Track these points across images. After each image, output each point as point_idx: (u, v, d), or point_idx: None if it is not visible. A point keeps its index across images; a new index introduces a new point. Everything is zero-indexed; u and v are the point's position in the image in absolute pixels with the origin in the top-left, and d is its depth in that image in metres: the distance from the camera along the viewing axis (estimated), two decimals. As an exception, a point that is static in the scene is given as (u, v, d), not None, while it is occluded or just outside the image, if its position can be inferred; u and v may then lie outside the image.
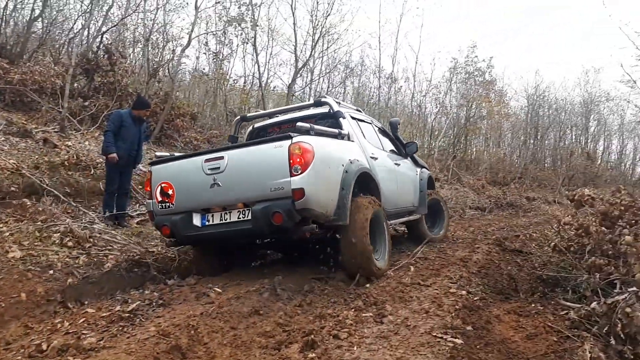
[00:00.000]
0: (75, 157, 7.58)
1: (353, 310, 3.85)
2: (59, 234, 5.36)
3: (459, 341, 3.17)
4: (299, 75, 17.62)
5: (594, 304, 3.79)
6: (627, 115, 29.07)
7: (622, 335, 3.26)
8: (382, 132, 6.75)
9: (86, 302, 4.28)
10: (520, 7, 56.74)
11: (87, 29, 12.18)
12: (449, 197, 13.96)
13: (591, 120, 29.89)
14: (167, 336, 3.17)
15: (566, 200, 5.58)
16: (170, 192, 4.61)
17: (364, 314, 3.77)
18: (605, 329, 3.49)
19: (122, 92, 10.65)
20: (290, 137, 4.18)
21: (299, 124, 4.43)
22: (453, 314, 3.70)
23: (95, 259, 5.11)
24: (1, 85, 9.28)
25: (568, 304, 4.27)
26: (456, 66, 22.73)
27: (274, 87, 19.72)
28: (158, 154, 5.32)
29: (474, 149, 24.20)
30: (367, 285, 4.60)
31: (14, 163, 6.70)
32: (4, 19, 11.06)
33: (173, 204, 4.60)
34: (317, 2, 16.69)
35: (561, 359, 3.26)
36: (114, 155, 6.27)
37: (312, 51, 17.11)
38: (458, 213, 12.65)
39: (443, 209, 7.70)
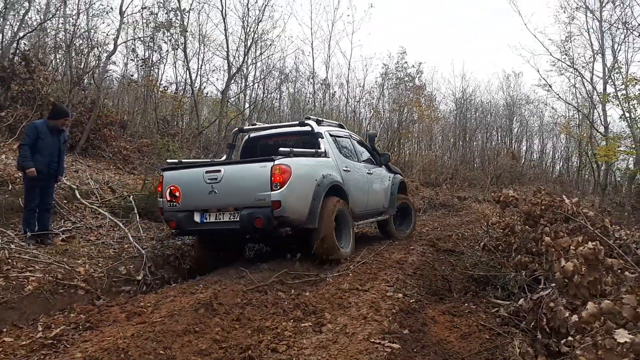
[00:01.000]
0: (-10, 172, 7.04)
1: (292, 321, 3.81)
2: (-29, 256, 4.93)
3: (396, 346, 3.21)
4: (232, 82, 17.39)
5: (521, 301, 3.97)
6: (545, 117, 31.14)
7: (547, 329, 3.42)
8: (360, 143, 7.88)
9: (4, 330, 3.94)
10: (449, 13, 59.20)
11: (1, 34, 11.38)
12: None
13: (514, 121, 31.63)
14: (95, 362, 2.98)
15: (493, 201, 5.89)
16: (177, 194, 5.76)
17: (303, 324, 3.74)
18: (532, 323, 3.67)
19: (43, 101, 10.02)
20: (273, 160, 5.29)
21: (281, 149, 5.55)
22: (390, 318, 3.75)
23: (14, 282, 4.74)
24: None
25: (498, 301, 4.45)
26: (387, 72, 23.36)
27: (207, 93, 19.35)
28: (169, 160, 6.73)
29: (407, 152, 24.88)
30: (307, 293, 4.59)
31: None
32: None
33: (179, 204, 5.74)
34: (248, 9, 16.56)
35: (493, 355, 3.38)
36: (32, 169, 5.84)
37: (245, 57, 16.94)
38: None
39: (411, 211, 8.76)
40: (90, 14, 13.03)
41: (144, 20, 14.45)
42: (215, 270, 5.84)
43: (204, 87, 18.23)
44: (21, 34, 11.09)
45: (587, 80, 18.17)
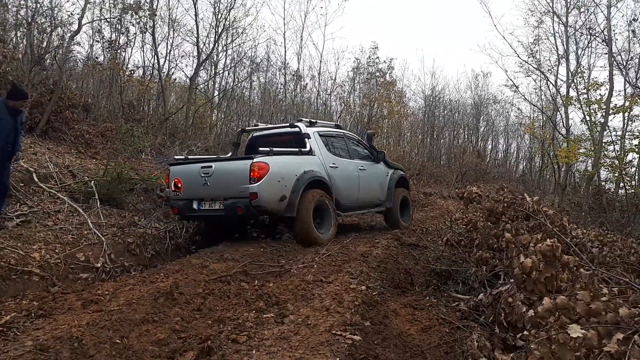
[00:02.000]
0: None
1: (254, 311, 3.77)
2: None
3: (357, 338, 3.22)
4: (202, 68, 17.03)
5: (481, 295, 4.06)
6: (511, 117, 31.90)
7: (504, 324, 3.50)
8: (356, 142, 8.63)
9: (-50, 317, 3.76)
10: (422, 10, 59.74)
11: (-43, 8, 10.82)
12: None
13: (481, 121, 32.28)
14: (46, 350, 2.87)
15: (457, 197, 6.04)
16: (179, 185, 6.73)
17: (265, 315, 3.70)
18: (491, 318, 3.75)
19: (2, 79, 9.55)
20: (252, 158, 6.18)
21: (261, 148, 6.61)
22: (352, 310, 3.75)
23: (-38, 267, 4.53)
24: None
25: (459, 296, 4.54)
26: (359, 66, 23.41)
27: (175, 79, 18.92)
28: (176, 157, 7.78)
29: (377, 146, 25.00)
30: (270, 284, 4.57)
31: None
32: None
33: (181, 193, 6.72)
34: (220, -5, 16.22)
35: (452, 349, 3.44)
36: (-14, 148, 5.59)
37: (215, 44, 16.58)
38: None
39: (409, 203, 9.60)
40: (54, -9, 12.51)
41: (111, 1, 14.00)
42: (176, 260, 5.76)
43: (172, 73, 17.77)
44: (-21, 9, 10.55)
45: (552, 83, 18.70)
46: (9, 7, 12.42)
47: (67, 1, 25.06)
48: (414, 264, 5.94)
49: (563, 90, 17.60)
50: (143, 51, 16.96)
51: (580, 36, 16.56)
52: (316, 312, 3.75)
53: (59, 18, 12.47)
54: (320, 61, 31.03)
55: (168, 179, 6.93)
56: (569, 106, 16.60)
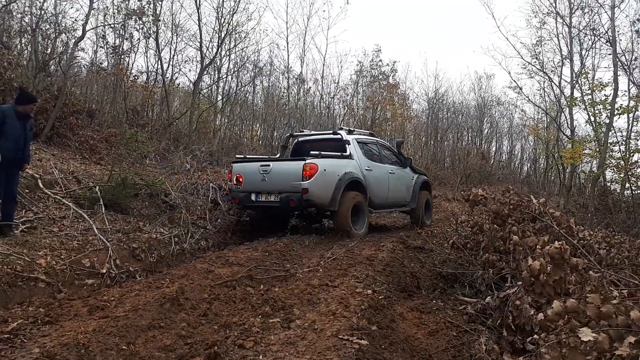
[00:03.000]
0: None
1: (260, 316, 3.75)
2: None
3: (364, 342, 3.19)
4: (205, 73, 17.08)
5: (488, 298, 4.03)
6: (515, 119, 31.81)
7: (512, 327, 3.47)
8: (387, 148, 9.79)
9: (-43, 325, 3.76)
10: (425, 12, 59.75)
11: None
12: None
13: (485, 122, 32.20)
14: (53, 357, 2.86)
15: (462, 199, 6.07)
16: (241, 179, 7.98)
17: (271, 320, 3.69)
18: (499, 321, 3.72)
19: (6, 86, 9.59)
20: (305, 159, 7.31)
21: (312, 152, 7.57)
22: (359, 315, 3.73)
23: (-31, 274, 4.53)
24: None
25: (466, 299, 4.50)
26: (362, 69, 23.41)
27: (179, 84, 18.98)
28: (238, 156, 9.23)
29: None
30: (276, 289, 4.55)
31: None
32: None
33: (242, 187, 7.94)
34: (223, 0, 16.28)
35: (460, 352, 3.41)
36: (-1, 154, 5.58)
37: (218, 49, 16.62)
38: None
39: (431, 205, 10.82)
40: (58, -2, 12.57)
41: (115, 7, 14.06)
42: (182, 265, 5.74)
43: (176, 78, 17.87)
44: (-17, 16, 10.61)
45: (556, 84, 18.61)
46: (14, 14, 12.49)
47: (71, 7, 25.27)
48: (420, 267, 5.90)
49: (567, 91, 17.53)
50: (147, 56, 17.16)
51: (584, 37, 16.49)
52: (322, 317, 3.73)
53: (63, 24, 12.57)
54: (323, 64, 31.21)
55: (230, 175, 8.18)
56: (573, 107, 16.55)
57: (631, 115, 15.34)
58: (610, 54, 14.42)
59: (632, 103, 14.83)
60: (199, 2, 15.55)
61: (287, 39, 22.47)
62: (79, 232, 6.25)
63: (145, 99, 15.91)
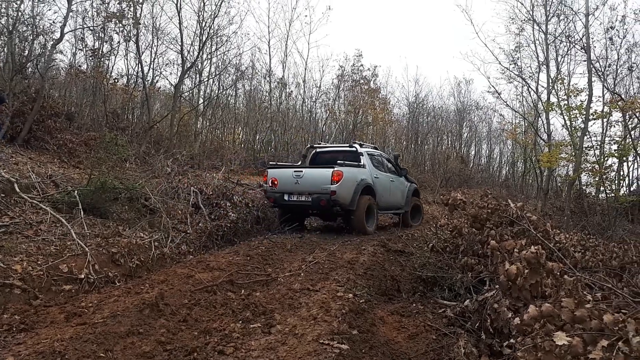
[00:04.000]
0: None
1: (241, 322, 3.75)
2: None
3: (345, 347, 3.22)
4: (186, 76, 16.94)
5: (466, 302, 4.08)
6: (493, 123, 32.27)
7: (491, 330, 3.53)
8: (388, 159, 11.36)
9: None
10: (406, 18, 60.26)
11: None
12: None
13: (464, 127, 32.59)
14: (29, 366, 2.82)
15: (442, 203, 6.14)
16: (276, 182, 9.25)
17: (252, 325, 3.69)
18: (477, 324, 3.77)
19: (-19, 88, 9.42)
20: (333, 167, 8.73)
21: (338, 161, 9.01)
22: (340, 319, 3.76)
23: (-59, 282, 4.42)
24: None
25: (445, 302, 4.56)
26: (343, 74, 23.50)
27: (160, 87, 18.78)
28: (272, 163, 10.76)
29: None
30: (257, 294, 4.55)
31: None
32: None
33: (277, 188, 9.22)
34: (204, 3, 16.18)
35: (439, 356, 3.46)
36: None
37: (200, 52, 16.52)
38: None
39: (421, 209, 12.48)
40: (35, 0, 12.37)
41: (95, 9, 13.89)
42: (162, 270, 5.69)
43: (157, 81, 17.66)
44: (-42, 17, 10.37)
45: (533, 90, 18.93)
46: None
47: (49, 9, 24.84)
48: (400, 271, 5.95)
49: (544, 97, 17.85)
50: (127, 59, 16.86)
51: (560, 43, 16.79)
52: (303, 322, 3.74)
53: (41, 26, 12.34)
54: (305, 69, 31.27)
55: (266, 178, 9.53)
56: (549, 112, 16.84)
57: (605, 120, 15.71)
58: (585, 61, 14.73)
59: (605, 109, 15.19)
60: (180, 5, 15.45)
61: (269, 43, 22.38)
62: (56, 237, 6.15)
63: (126, 102, 15.73)
